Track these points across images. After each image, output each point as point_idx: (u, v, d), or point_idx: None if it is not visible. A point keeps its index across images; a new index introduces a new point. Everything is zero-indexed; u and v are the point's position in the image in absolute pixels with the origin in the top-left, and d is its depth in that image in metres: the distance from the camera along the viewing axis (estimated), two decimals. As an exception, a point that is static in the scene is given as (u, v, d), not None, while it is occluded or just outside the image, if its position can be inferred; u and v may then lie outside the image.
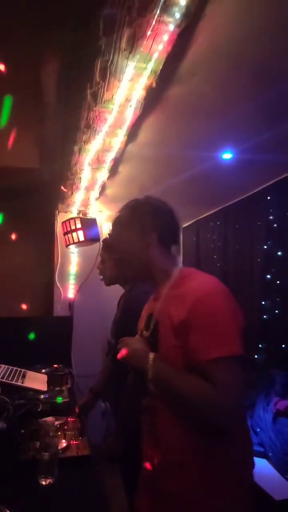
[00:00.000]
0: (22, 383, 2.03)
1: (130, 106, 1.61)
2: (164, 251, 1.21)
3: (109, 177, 2.48)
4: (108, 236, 1.34)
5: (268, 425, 2.21)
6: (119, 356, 1.19)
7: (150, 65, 1.36)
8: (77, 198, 2.97)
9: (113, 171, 2.40)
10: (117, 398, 1.80)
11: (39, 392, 2.00)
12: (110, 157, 2.15)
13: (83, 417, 1.80)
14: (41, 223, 3.42)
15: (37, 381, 2.17)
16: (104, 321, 2.47)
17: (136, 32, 1.16)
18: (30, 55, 1.56)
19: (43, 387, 2.08)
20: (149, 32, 1.18)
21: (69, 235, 3.15)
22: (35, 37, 1.45)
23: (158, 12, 1.11)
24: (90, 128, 1.76)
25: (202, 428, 1.01)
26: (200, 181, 2.65)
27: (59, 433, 1.54)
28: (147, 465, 1.15)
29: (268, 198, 2.71)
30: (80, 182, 2.58)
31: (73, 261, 3.50)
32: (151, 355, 1.09)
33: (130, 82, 1.45)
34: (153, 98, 1.57)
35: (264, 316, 2.69)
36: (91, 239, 3.11)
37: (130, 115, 1.69)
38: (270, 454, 2.09)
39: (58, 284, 3.46)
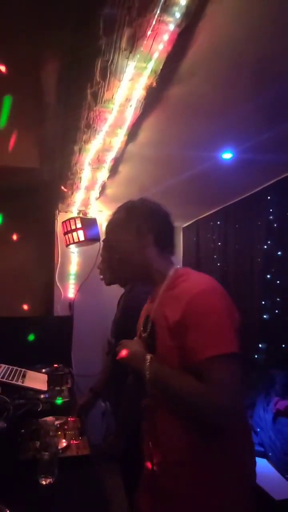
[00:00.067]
0: (22, 382, 2.03)
1: (130, 105, 1.61)
2: (160, 252, 1.22)
3: (109, 177, 2.48)
4: (104, 239, 1.34)
5: (268, 425, 2.21)
6: (118, 358, 1.20)
7: (150, 65, 1.36)
8: (77, 197, 2.97)
9: (114, 171, 2.40)
10: (117, 398, 1.79)
11: (39, 391, 2.00)
12: (110, 156, 2.15)
13: (83, 417, 1.80)
14: (41, 222, 3.42)
15: (37, 380, 2.17)
16: (104, 321, 2.47)
17: (136, 32, 1.16)
18: (30, 55, 1.56)
19: (43, 386, 2.08)
20: (149, 32, 1.18)
21: (69, 234, 3.15)
22: (35, 37, 1.45)
23: (158, 11, 1.11)
24: (90, 127, 1.76)
25: (201, 427, 1.01)
26: (200, 181, 2.65)
27: (59, 432, 1.54)
28: (148, 465, 1.15)
29: (268, 198, 2.70)
30: (80, 182, 2.58)
31: (73, 261, 3.50)
32: (148, 357, 1.10)
33: (130, 82, 1.45)
34: (153, 98, 1.57)
35: (264, 316, 2.69)
36: (91, 239, 3.11)
37: (130, 115, 1.69)
38: (270, 454, 2.09)
39: (58, 284, 3.46)
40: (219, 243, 3.43)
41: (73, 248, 3.39)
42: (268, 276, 2.67)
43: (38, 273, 3.37)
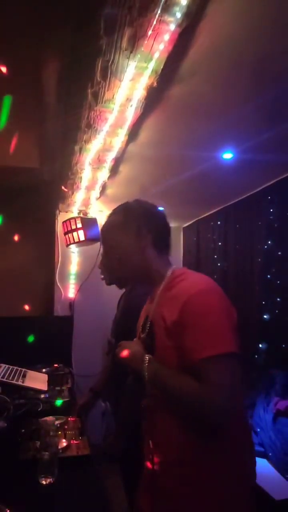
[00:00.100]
0: (23, 382, 2.03)
1: (131, 105, 1.61)
2: (158, 253, 1.22)
3: (109, 177, 2.48)
4: (101, 241, 1.34)
5: (268, 425, 2.21)
6: (117, 358, 1.21)
7: (151, 65, 1.36)
8: (78, 197, 2.97)
9: (114, 171, 2.40)
10: (117, 398, 1.80)
11: (40, 391, 2.00)
12: (110, 156, 2.15)
13: (83, 417, 1.80)
14: (42, 222, 3.42)
15: (37, 380, 2.17)
16: (104, 321, 2.48)
17: (137, 32, 1.16)
18: (31, 55, 1.55)
19: (44, 386, 2.09)
20: (150, 32, 1.18)
21: (70, 234, 3.15)
22: (35, 37, 1.44)
23: (159, 11, 1.11)
24: (91, 127, 1.76)
25: (200, 427, 1.01)
26: (200, 181, 2.65)
27: (59, 432, 1.54)
28: (147, 465, 1.15)
29: (269, 198, 2.70)
30: (80, 182, 2.58)
31: (73, 260, 3.50)
32: (147, 357, 1.10)
33: (131, 82, 1.45)
34: (154, 98, 1.57)
35: (264, 316, 2.69)
36: (92, 238, 3.11)
37: (131, 115, 1.69)
38: (270, 454, 2.09)
39: (58, 283, 3.46)
40: (220, 243, 3.43)
41: (73, 248, 3.39)
42: (268, 276, 2.67)
43: (39, 273, 3.37)
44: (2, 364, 2.19)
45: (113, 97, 1.53)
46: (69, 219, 3.15)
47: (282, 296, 2.58)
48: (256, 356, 2.68)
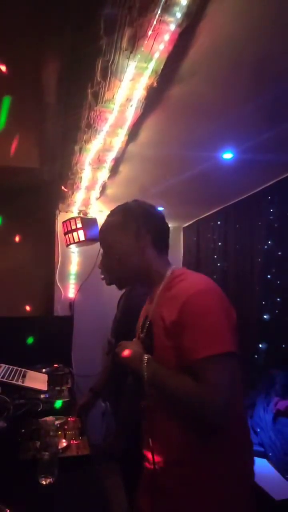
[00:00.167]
0: (23, 382, 2.03)
1: (131, 105, 1.61)
2: (157, 253, 1.23)
3: (109, 177, 2.48)
4: (100, 241, 1.34)
5: (268, 425, 2.21)
6: (117, 358, 1.21)
7: (151, 65, 1.36)
8: (78, 197, 2.97)
9: (114, 171, 2.40)
10: (117, 398, 1.80)
11: (39, 391, 2.00)
12: (110, 156, 2.15)
13: (83, 417, 1.80)
14: (42, 222, 3.42)
15: (37, 380, 2.17)
16: (104, 321, 2.47)
17: (137, 32, 1.16)
18: (31, 55, 1.55)
19: (44, 386, 2.09)
20: (150, 32, 1.18)
21: (70, 234, 3.15)
22: (35, 37, 1.44)
23: (159, 11, 1.11)
24: (91, 127, 1.76)
25: (199, 427, 1.01)
26: (200, 181, 2.65)
27: (59, 432, 1.54)
28: (147, 465, 1.15)
29: (269, 198, 2.70)
30: (80, 182, 2.58)
31: (73, 260, 3.50)
32: (146, 357, 1.10)
33: (131, 82, 1.45)
34: (154, 98, 1.57)
35: (264, 316, 2.69)
36: (92, 238, 3.11)
37: (131, 115, 1.69)
38: (270, 454, 2.08)
39: (58, 283, 3.46)
40: (220, 243, 3.43)
41: (73, 248, 3.39)
42: (268, 276, 2.67)
43: (39, 273, 3.37)
44: (2, 364, 2.19)
45: (113, 97, 1.53)
46: (69, 219, 3.15)
47: (282, 296, 2.58)
48: (256, 356, 2.68)
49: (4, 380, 1.96)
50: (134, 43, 1.21)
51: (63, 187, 2.71)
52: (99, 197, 2.98)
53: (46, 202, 3.23)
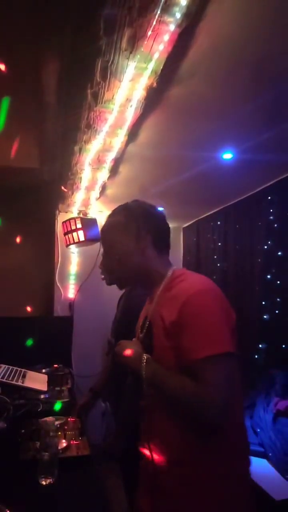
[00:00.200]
0: (23, 383, 2.03)
1: (131, 106, 1.61)
2: (158, 253, 1.23)
3: (109, 177, 2.48)
4: (101, 242, 1.34)
5: (268, 425, 2.21)
6: (117, 357, 1.21)
7: (151, 65, 1.36)
8: (78, 198, 2.97)
9: (114, 171, 2.40)
10: (117, 398, 1.80)
11: (39, 392, 2.00)
12: (110, 157, 2.15)
13: (83, 417, 1.80)
14: (42, 223, 3.42)
15: (37, 381, 2.17)
16: (104, 321, 2.47)
17: (136, 32, 1.16)
18: (31, 55, 1.55)
19: (43, 387, 2.09)
20: (149, 32, 1.18)
21: (70, 235, 3.15)
22: (35, 37, 1.44)
23: (158, 12, 1.11)
24: (91, 128, 1.76)
25: (197, 427, 1.01)
26: (200, 181, 2.65)
27: (59, 433, 1.54)
28: (146, 465, 1.15)
29: (269, 198, 2.70)
30: (80, 182, 2.58)
31: (73, 261, 3.50)
32: (145, 357, 1.10)
33: (130, 82, 1.45)
34: (153, 98, 1.57)
35: (264, 316, 2.69)
36: (92, 239, 3.11)
37: (130, 115, 1.69)
38: (270, 454, 2.08)
39: (58, 284, 3.46)
40: (219, 243, 3.43)
41: (73, 248, 3.39)
42: (268, 276, 2.67)
43: (38, 273, 3.37)
44: (2, 365, 2.19)
45: (112, 98, 1.53)
46: (69, 220, 3.15)
47: (282, 296, 2.59)
48: (256, 356, 2.68)
49: (4, 380, 1.96)
50: (134, 44, 1.21)
51: (63, 188, 2.71)
52: (99, 198, 2.98)
53: (46, 203, 3.23)
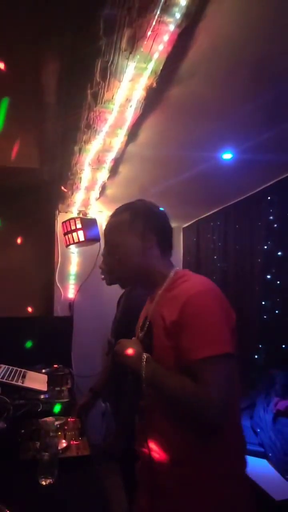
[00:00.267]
0: (22, 383, 2.03)
1: (131, 106, 1.61)
2: (161, 254, 1.22)
3: (109, 177, 2.48)
4: (105, 241, 1.33)
5: (268, 425, 2.21)
6: (117, 356, 1.20)
7: (151, 66, 1.36)
8: (77, 198, 2.98)
9: (114, 171, 2.40)
10: (117, 398, 1.80)
11: (39, 392, 2.00)
12: (110, 157, 2.15)
13: (83, 417, 1.80)
14: (42, 223, 3.42)
15: (37, 381, 2.17)
16: (104, 321, 2.48)
17: (136, 33, 1.16)
18: (31, 56, 1.56)
19: (43, 387, 2.09)
20: (149, 33, 1.18)
21: (69, 235, 3.15)
22: (35, 37, 1.45)
23: (158, 12, 1.11)
24: (91, 128, 1.77)
25: (197, 427, 1.01)
26: (200, 181, 2.65)
27: (59, 433, 1.54)
28: (146, 465, 1.15)
29: (268, 198, 2.70)
30: (80, 182, 2.58)
31: (73, 261, 3.50)
32: (144, 356, 1.10)
33: (130, 82, 1.45)
34: (153, 98, 1.57)
35: (264, 316, 2.69)
36: (91, 239, 3.11)
37: (130, 115, 1.69)
38: (270, 454, 2.08)
39: (58, 284, 3.46)
40: (219, 243, 3.43)
41: (73, 248, 3.39)
42: (268, 276, 2.68)
43: (38, 274, 3.37)
44: (2, 365, 2.19)
45: (112, 98, 1.53)
46: (69, 220, 3.15)
47: (282, 296, 2.59)
48: (256, 356, 2.68)
49: (4, 380, 1.96)
50: (134, 44, 1.21)
51: (62, 188, 2.71)
52: (99, 198, 2.98)
53: (46, 203, 3.23)
